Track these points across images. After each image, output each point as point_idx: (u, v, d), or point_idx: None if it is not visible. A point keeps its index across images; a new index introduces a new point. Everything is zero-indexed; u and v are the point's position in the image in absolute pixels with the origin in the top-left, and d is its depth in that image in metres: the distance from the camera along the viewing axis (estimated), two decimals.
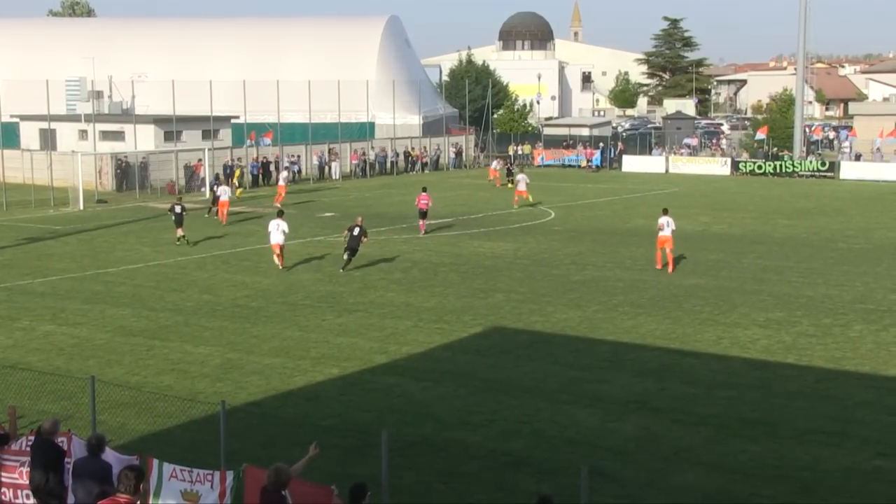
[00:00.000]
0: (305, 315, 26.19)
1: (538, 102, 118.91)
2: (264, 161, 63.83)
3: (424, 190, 42.04)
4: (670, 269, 32.52)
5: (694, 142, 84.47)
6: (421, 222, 41.31)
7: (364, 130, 78.38)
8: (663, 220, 32.97)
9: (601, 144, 77.42)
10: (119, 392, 18.29)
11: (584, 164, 75.13)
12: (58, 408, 18.03)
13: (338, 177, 67.36)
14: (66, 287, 29.92)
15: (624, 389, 19.68)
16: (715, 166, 72.18)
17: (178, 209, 38.27)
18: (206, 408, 17.01)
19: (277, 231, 33.00)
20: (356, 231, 32.73)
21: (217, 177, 51.24)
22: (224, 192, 44.90)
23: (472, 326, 25.00)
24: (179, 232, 38.06)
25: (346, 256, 32.57)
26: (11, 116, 65.84)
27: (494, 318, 25.86)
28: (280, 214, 34.23)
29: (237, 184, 55.17)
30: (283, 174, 55.08)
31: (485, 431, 17.34)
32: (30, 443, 12.69)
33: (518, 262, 34.51)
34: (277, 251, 33.03)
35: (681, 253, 35.34)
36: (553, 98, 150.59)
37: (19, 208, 50.04)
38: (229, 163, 61.59)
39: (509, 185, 56.10)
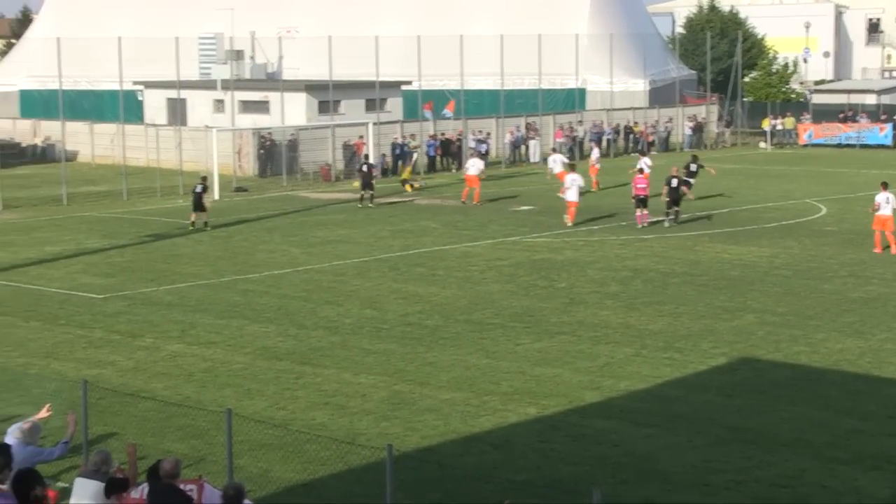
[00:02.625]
0: (495, 337, 26.40)
1: (805, 61, 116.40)
2: (443, 139, 64.62)
3: (641, 172, 42.53)
4: (893, 249, 35.82)
5: None
6: (638, 213, 41.77)
7: (572, 99, 78.43)
8: (881, 196, 36.49)
9: None
10: (261, 430, 18.86)
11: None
12: (186, 447, 18.73)
13: (537, 159, 67.60)
14: (197, 296, 31.09)
15: None
16: None
17: (198, 188, 42.50)
18: (368, 453, 17.34)
19: (574, 187, 42.08)
20: (674, 182, 41.75)
21: (366, 157, 52.45)
22: (473, 166, 49.40)
23: (712, 357, 24.72)
24: (203, 217, 42.27)
25: (671, 210, 41.80)
26: (134, 83, 68.58)
27: (743, 347, 25.49)
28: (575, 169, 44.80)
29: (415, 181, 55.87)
30: (556, 157, 54.02)
31: (729, 496, 17.11)
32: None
33: (775, 272, 33.92)
34: (573, 209, 42.14)
35: None
36: (826, 55, 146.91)
37: (142, 198, 52.27)
38: (399, 140, 62.70)
39: (690, 197, 50.26)
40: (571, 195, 42.32)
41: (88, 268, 35.40)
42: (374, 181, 49.19)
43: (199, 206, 42.60)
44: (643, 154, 52.48)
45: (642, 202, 41.70)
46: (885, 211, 36.46)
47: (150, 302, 30.51)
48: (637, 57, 79.98)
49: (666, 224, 41.74)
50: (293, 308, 29.54)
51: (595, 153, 57.41)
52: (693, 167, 48.64)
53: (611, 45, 73.95)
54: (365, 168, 49.10)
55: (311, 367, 24.05)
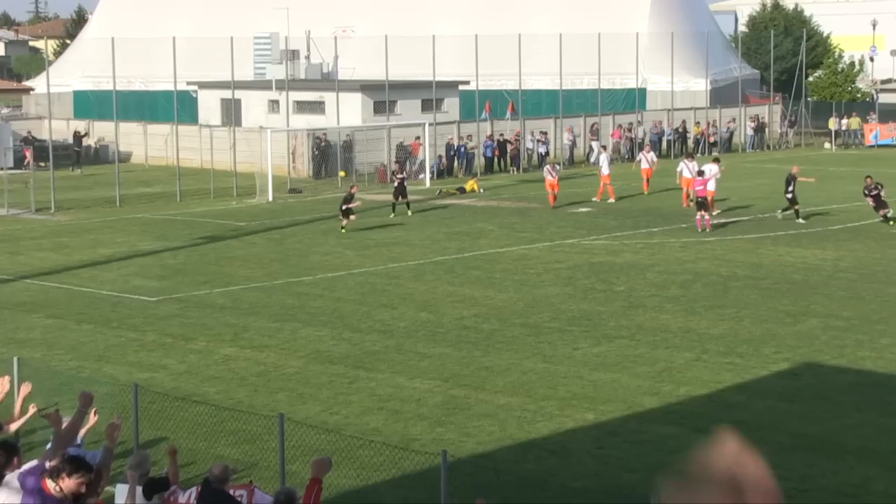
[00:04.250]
0: (552, 341, 26.32)
1: (872, 59, 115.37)
2: (501, 139, 64.57)
3: (701, 174, 42.21)
4: None
5: None
6: (698, 216, 41.30)
7: (632, 99, 78.17)
8: None
9: None
10: (314, 435, 18.88)
11: None
12: (238, 452, 18.80)
13: (596, 160, 67.38)
14: (250, 299, 31.20)
15: None
16: None
17: (344, 207, 42.28)
18: (422, 459, 17.33)
19: (712, 178, 42.76)
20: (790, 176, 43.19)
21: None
22: (604, 162, 50.82)
23: (774, 362, 24.54)
24: (352, 220, 41.85)
25: (790, 210, 43.03)
26: (188, 84, 69.07)
27: (806, 352, 25.27)
28: (690, 157, 48.13)
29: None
30: (649, 155, 54.74)
31: None
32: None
33: (840, 275, 33.63)
34: (707, 198, 42.55)
35: None
36: (893, 53, 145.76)
37: (196, 199, 52.59)
38: (454, 142, 62.67)
39: (890, 223, 42.93)
40: (711, 185, 43.55)
41: (141, 270, 35.65)
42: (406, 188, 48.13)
43: (346, 212, 41.98)
44: (690, 157, 50.83)
45: (702, 205, 41.27)
46: None
47: (203, 305, 30.67)
48: (698, 56, 79.52)
49: (778, 214, 43.99)
50: (347, 311, 29.59)
51: (648, 155, 57.61)
52: (878, 189, 43.62)
53: (671, 43, 73.50)
54: (404, 174, 48.72)
55: (365, 371, 24.08)
